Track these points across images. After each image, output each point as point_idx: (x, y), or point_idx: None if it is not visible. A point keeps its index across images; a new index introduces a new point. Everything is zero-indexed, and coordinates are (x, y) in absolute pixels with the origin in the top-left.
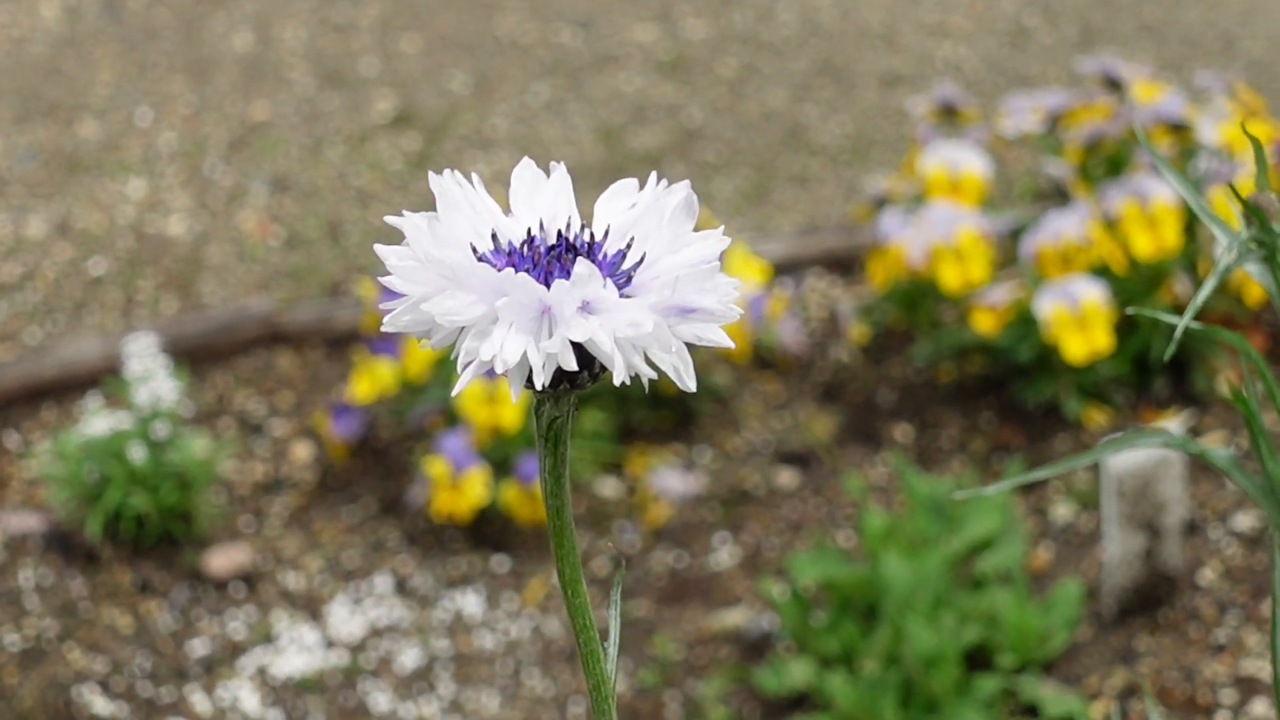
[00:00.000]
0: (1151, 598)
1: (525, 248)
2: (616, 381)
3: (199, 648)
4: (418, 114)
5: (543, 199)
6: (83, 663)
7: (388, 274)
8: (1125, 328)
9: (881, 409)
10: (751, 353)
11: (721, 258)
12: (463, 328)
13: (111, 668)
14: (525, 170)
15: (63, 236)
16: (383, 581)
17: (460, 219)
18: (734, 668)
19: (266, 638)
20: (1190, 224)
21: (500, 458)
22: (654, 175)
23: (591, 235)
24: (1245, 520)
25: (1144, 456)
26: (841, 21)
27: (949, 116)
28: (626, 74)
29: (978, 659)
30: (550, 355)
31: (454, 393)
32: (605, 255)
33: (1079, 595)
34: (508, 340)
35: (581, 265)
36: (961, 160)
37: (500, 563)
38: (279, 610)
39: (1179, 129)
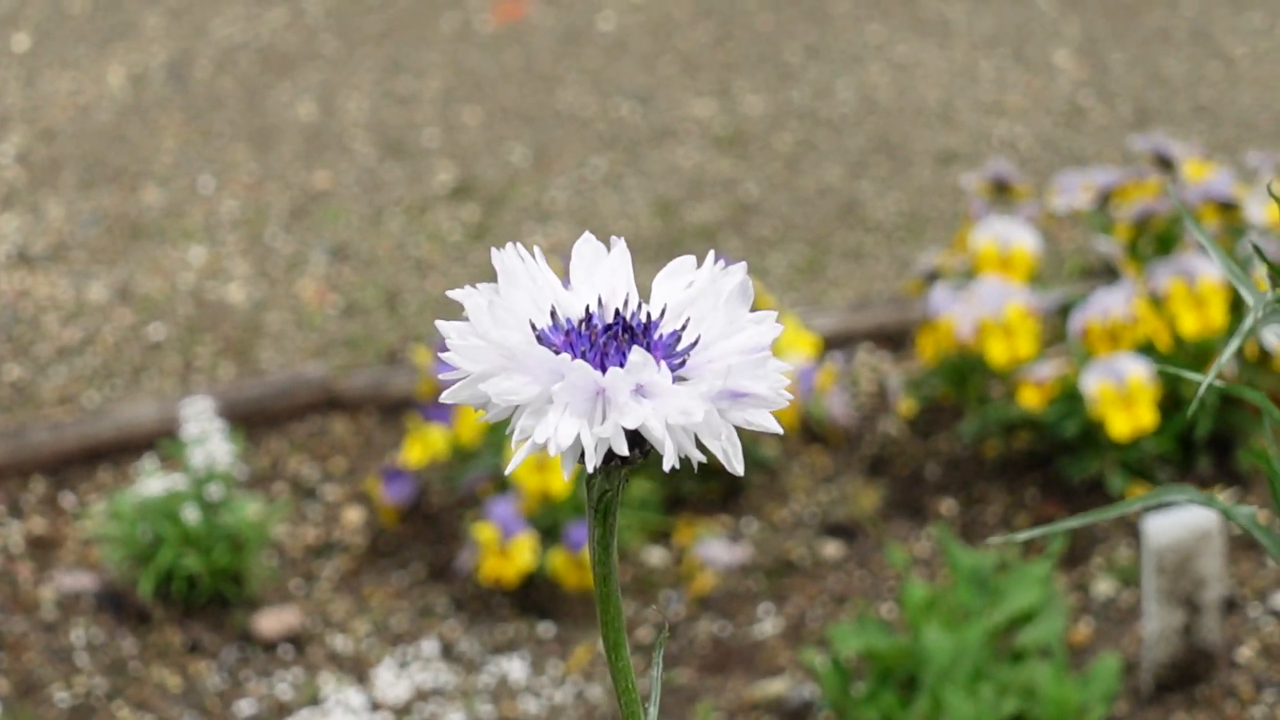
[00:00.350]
0: (1189, 674)
1: (583, 326)
2: (666, 467)
3: (246, 708)
4: (477, 185)
5: (602, 274)
6: None
7: (447, 350)
8: (1170, 405)
9: (928, 483)
10: (800, 425)
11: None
12: (519, 407)
13: None
14: (586, 245)
15: (123, 302)
16: (429, 646)
17: (520, 295)
18: None
19: (313, 699)
20: (1237, 303)
21: (549, 524)
22: (711, 255)
23: (648, 315)
24: None
25: (1184, 532)
26: (899, 99)
27: (1002, 192)
28: (684, 149)
29: None
30: (603, 439)
31: (508, 470)
32: (661, 336)
33: (1117, 670)
34: (562, 424)
35: (636, 354)
36: (1012, 236)
37: (546, 629)
38: (326, 672)
39: (1228, 208)
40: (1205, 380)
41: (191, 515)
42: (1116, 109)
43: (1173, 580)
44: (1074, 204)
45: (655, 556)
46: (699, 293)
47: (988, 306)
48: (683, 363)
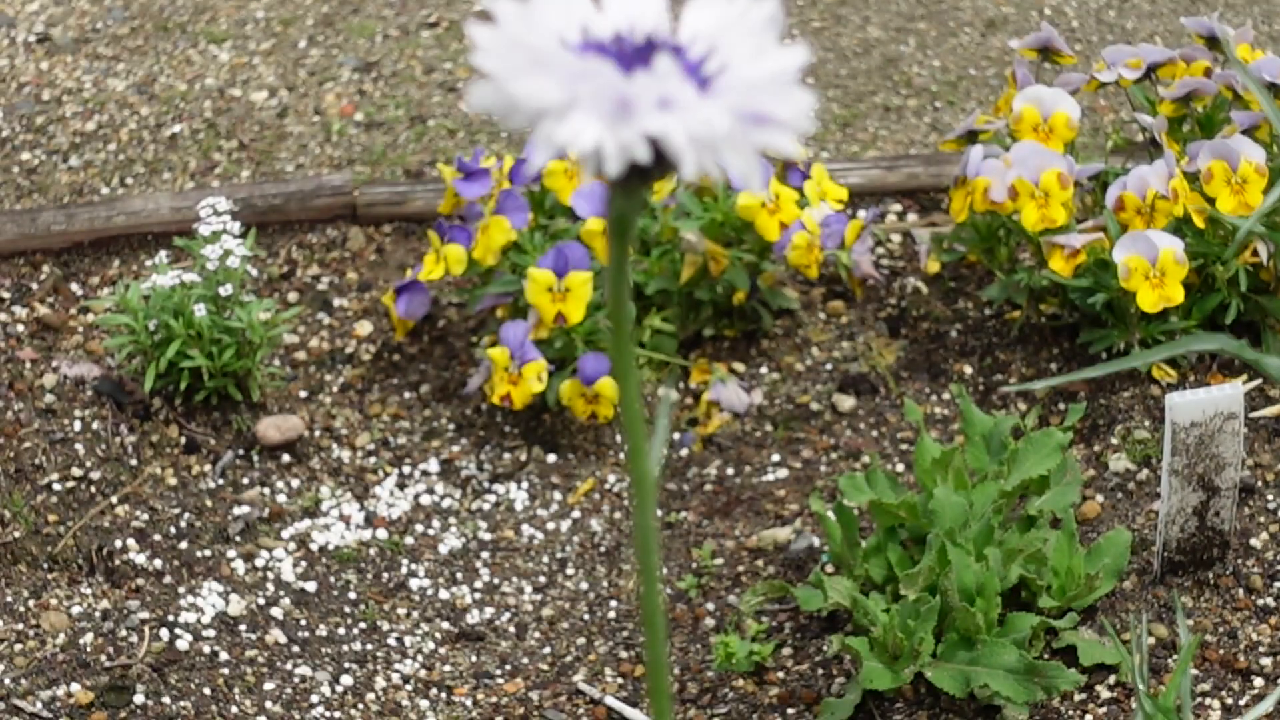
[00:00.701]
0: (1201, 557)
1: (613, 43)
2: (686, 176)
3: (242, 511)
4: None
5: (635, 2)
6: (124, 513)
7: (477, 54)
8: (1202, 287)
9: (948, 343)
10: (823, 276)
11: (800, 72)
12: (543, 111)
13: (152, 521)
14: None
15: (145, 96)
16: (431, 464)
17: (551, 8)
18: (774, 583)
19: (310, 508)
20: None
21: (563, 353)
22: None
23: (677, 39)
24: None
25: (1207, 412)
26: None
27: (1047, 59)
28: None
29: (1019, 597)
30: (623, 145)
31: (530, 171)
32: (688, 58)
33: (1128, 545)
34: (585, 126)
35: (663, 61)
36: (1054, 102)
37: (551, 459)
38: (326, 483)
39: (1276, 90)
40: (1247, 224)
41: (200, 313)
42: None
43: (1191, 460)
44: (1120, 77)
45: None
46: (729, 23)
47: (1025, 169)
48: (707, 84)
